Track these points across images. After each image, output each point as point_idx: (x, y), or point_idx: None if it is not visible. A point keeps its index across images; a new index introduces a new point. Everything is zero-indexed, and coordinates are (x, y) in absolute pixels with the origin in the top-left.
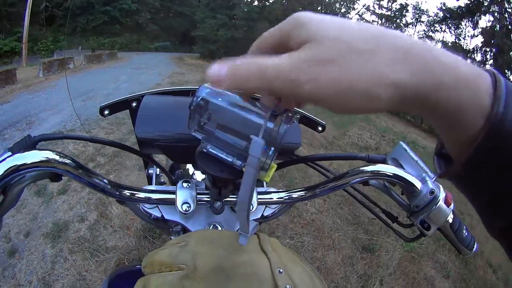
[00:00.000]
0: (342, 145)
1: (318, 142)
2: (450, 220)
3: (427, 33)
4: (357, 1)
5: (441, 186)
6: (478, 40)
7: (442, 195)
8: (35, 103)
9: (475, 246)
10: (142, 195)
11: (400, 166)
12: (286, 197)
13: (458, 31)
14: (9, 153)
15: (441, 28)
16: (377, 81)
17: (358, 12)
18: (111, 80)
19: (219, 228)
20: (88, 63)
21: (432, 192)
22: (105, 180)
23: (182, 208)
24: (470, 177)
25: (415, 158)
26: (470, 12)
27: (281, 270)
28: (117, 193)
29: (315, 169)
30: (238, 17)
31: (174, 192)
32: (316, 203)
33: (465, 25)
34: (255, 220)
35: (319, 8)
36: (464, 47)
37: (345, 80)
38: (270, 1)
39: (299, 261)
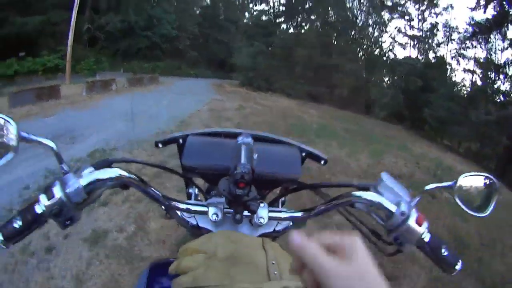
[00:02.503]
0: (376, 173)
1: (352, 172)
2: (427, 239)
3: (459, 51)
4: (389, 24)
5: (414, 209)
6: (509, 53)
7: (413, 216)
8: (78, 120)
9: (457, 265)
10: (183, 206)
11: (379, 193)
12: (291, 216)
13: (488, 46)
14: (92, 168)
15: (472, 44)
16: None
17: (391, 35)
18: (154, 104)
19: None
20: (130, 86)
21: (403, 213)
22: (158, 192)
23: (212, 217)
24: None
25: (391, 185)
26: (497, 24)
27: (273, 262)
28: (167, 203)
29: (317, 194)
30: (275, 44)
31: (207, 206)
32: (343, 228)
33: (495, 38)
34: (268, 233)
35: (352, 33)
36: (496, 62)
37: None
38: (305, 28)
39: (290, 259)
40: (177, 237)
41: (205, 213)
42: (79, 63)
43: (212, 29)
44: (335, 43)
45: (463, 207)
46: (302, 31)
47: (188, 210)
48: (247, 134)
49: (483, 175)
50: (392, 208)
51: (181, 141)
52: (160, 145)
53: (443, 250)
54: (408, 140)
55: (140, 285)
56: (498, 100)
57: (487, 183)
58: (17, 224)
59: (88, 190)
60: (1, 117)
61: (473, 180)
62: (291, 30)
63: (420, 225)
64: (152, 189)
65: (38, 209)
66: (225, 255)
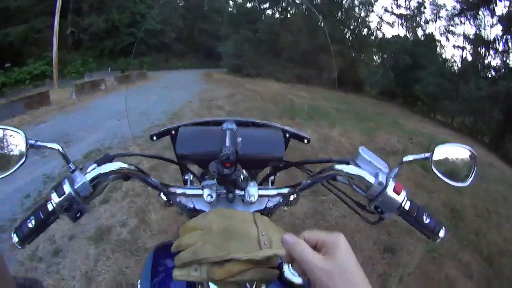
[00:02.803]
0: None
1: (345, 150)
2: (407, 207)
3: (447, 28)
4: (375, 4)
5: (391, 178)
6: (498, 29)
7: (391, 185)
8: (70, 123)
9: (441, 232)
10: (180, 191)
11: (358, 166)
12: (279, 192)
13: (477, 22)
14: (95, 164)
15: (460, 21)
16: None
17: (378, 14)
18: (144, 99)
19: None
20: (119, 84)
21: (380, 183)
22: (157, 180)
23: (207, 198)
24: None
25: (369, 158)
26: (485, 0)
27: (264, 234)
28: (165, 189)
29: (302, 171)
30: (261, 30)
31: (202, 189)
32: (340, 208)
33: (483, 14)
34: (260, 210)
35: (339, 15)
36: (486, 38)
37: None
38: (291, 12)
39: (280, 231)
40: (178, 226)
41: (201, 195)
42: (66, 67)
43: (197, 20)
44: (322, 25)
45: (442, 177)
46: (288, 15)
47: (184, 194)
48: (231, 120)
49: (460, 146)
50: (371, 179)
51: (173, 132)
52: (154, 138)
53: (424, 218)
54: (400, 116)
55: (147, 265)
56: (489, 76)
57: (465, 153)
58: (31, 224)
59: (94, 184)
60: (10, 129)
61: (450, 151)
62: (277, 15)
63: (398, 193)
64: (151, 178)
65: (50, 206)
66: (219, 230)
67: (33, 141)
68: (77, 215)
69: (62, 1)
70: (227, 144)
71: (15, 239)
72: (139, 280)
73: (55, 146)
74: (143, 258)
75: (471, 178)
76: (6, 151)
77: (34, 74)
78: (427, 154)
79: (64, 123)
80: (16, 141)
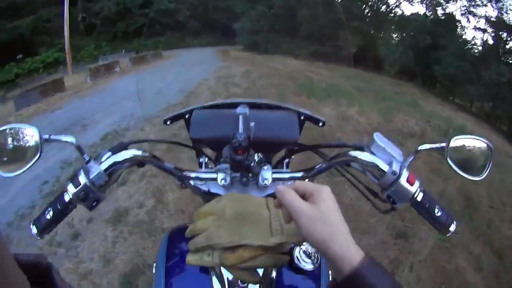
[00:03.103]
0: (387, 131)
1: (362, 129)
2: (419, 199)
3: (468, 9)
4: None
5: (405, 168)
6: None
7: (404, 175)
8: (86, 107)
9: (452, 226)
10: (195, 175)
11: (373, 153)
12: (293, 175)
13: (499, 5)
14: (110, 153)
15: (482, 2)
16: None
17: None
18: (160, 79)
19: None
20: (134, 65)
21: (394, 173)
22: (171, 165)
23: (221, 182)
24: None
25: (383, 145)
26: None
27: (275, 219)
28: (179, 174)
29: (317, 154)
30: (277, 6)
31: (216, 172)
32: (356, 191)
33: None
34: (273, 193)
35: None
36: (508, 22)
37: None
38: None
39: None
40: (194, 206)
41: (215, 179)
42: (79, 53)
43: None
44: (339, 0)
45: (456, 169)
46: None
47: (199, 178)
48: (245, 104)
49: (477, 139)
50: (384, 167)
51: (187, 116)
52: (168, 122)
53: (436, 210)
54: (419, 98)
55: (162, 249)
56: (511, 61)
57: (481, 147)
58: (49, 215)
59: (109, 172)
60: (23, 126)
61: (466, 143)
62: None
63: (411, 184)
64: (165, 163)
65: (67, 197)
66: (232, 215)
67: (47, 136)
68: (94, 204)
69: None
70: (240, 130)
71: (34, 230)
72: (154, 264)
73: (69, 138)
74: (160, 239)
75: (486, 173)
76: (21, 148)
77: (47, 62)
78: (442, 144)
79: (80, 107)
80: (30, 137)
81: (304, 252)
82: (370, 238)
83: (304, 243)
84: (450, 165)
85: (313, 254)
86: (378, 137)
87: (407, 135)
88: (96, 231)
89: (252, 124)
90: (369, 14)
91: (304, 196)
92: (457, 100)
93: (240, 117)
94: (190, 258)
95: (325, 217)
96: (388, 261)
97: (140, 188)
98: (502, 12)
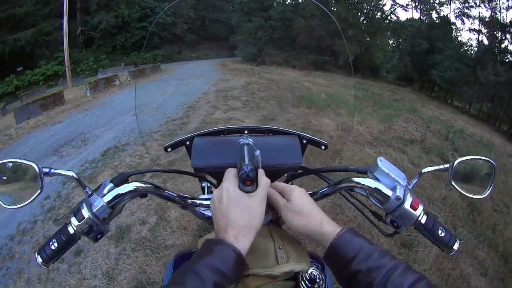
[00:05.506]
0: (387, 139)
1: (363, 139)
2: (423, 221)
3: (462, 11)
4: None
5: (409, 193)
6: None
7: (408, 200)
8: (86, 121)
9: (455, 245)
10: (198, 201)
11: (376, 178)
12: None
13: (492, 4)
14: (112, 185)
15: (475, 3)
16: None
17: None
18: (160, 93)
19: None
20: (133, 78)
21: (398, 198)
22: (173, 193)
23: None
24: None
25: (386, 170)
26: None
27: (280, 247)
28: (182, 202)
29: (321, 178)
30: (273, 17)
31: None
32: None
33: None
34: (276, 218)
35: None
36: (502, 21)
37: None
38: None
39: (295, 243)
40: (197, 222)
41: None
42: (79, 66)
43: (208, 10)
44: (335, 10)
45: (461, 190)
46: (300, 0)
47: (201, 205)
48: (246, 132)
49: (480, 158)
50: (388, 193)
51: (188, 143)
52: (169, 150)
53: (439, 232)
54: (418, 103)
55: (166, 275)
56: (507, 60)
57: (485, 165)
58: (54, 245)
59: (112, 205)
60: (23, 162)
61: (469, 163)
62: (289, 1)
63: (415, 209)
64: (166, 191)
65: (71, 229)
66: None
67: (47, 169)
68: (98, 237)
69: (69, 2)
70: (246, 161)
71: (39, 260)
72: None
73: (70, 173)
74: (163, 255)
75: (489, 191)
76: (22, 181)
77: (47, 75)
78: (446, 165)
79: (79, 121)
80: (30, 173)
81: (309, 277)
82: None
83: (310, 269)
84: (454, 186)
85: (317, 278)
86: (381, 161)
87: (407, 142)
88: (98, 248)
89: (257, 153)
90: (364, 22)
91: (281, 193)
92: (455, 102)
93: (245, 147)
94: None
95: (300, 209)
96: None
97: (142, 205)
98: (496, 11)
